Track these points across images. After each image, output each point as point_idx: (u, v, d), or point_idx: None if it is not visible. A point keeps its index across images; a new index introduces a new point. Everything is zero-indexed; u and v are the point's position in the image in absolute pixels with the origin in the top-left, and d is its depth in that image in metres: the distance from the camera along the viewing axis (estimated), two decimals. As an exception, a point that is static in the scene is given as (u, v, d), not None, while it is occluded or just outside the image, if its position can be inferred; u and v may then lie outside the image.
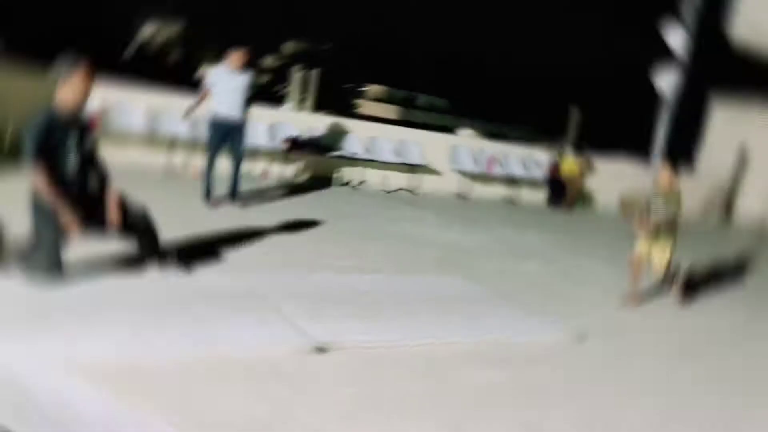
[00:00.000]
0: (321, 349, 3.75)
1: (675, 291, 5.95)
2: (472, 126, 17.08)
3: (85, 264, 4.32)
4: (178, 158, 8.99)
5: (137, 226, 4.38)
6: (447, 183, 11.32)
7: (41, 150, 3.89)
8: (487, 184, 11.57)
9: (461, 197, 11.20)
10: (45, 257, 3.95)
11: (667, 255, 5.67)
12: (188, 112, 7.24)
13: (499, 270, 6.38)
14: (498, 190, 11.73)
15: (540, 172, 12.00)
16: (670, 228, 5.64)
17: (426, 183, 11.12)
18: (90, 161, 4.25)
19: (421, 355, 3.97)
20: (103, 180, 4.34)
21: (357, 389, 3.41)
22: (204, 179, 7.18)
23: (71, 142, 4.05)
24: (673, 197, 5.65)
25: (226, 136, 7.10)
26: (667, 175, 5.70)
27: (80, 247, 4.19)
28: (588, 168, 12.21)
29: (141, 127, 8.74)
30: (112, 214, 4.22)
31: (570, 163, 12.03)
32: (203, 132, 8.67)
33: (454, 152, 11.50)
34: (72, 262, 4.14)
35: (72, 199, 4.02)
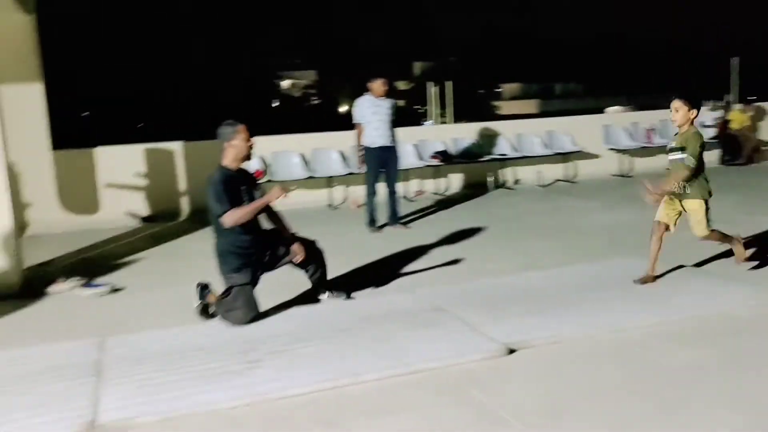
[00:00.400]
0: (510, 351, 3.76)
1: (737, 254, 5.03)
2: (618, 103, 16.32)
3: (265, 298, 4.67)
4: (338, 193, 9.43)
5: (314, 256, 4.68)
6: (605, 165, 10.89)
7: (227, 195, 4.29)
8: (649, 156, 10.97)
9: (623, 176, 10.70)
10: (243, 302, 4.31)
11: (698, 215, 4.70)
12: (358, 152, 7.49)
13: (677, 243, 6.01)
14: (662, 161, 11.04)
15: (707, 132, 11.16)
16: (687, 178, 4.64)
17: (582, 169, 10.77)
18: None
19: (614, 341, 3.85)
20: (278, 220, 4.70)
21: (555, 383, 3.37)
22: (366, 207, 7.48)
23: (244, 194, 4.44)
24: (688, 139, 4.65)
25: (382, 163, 7.35)
26: (680, 113, 4.68)
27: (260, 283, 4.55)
28: (760, 117, 11.18)
29: (299, 170, 9.29)
30: (297, 247, 4.56)
31: (739, 116, 11.09)
32: (353, 165, 9.08)
33: (607, 131, 11.05)
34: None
35: (258, 240, 4.44)
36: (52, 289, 5.54)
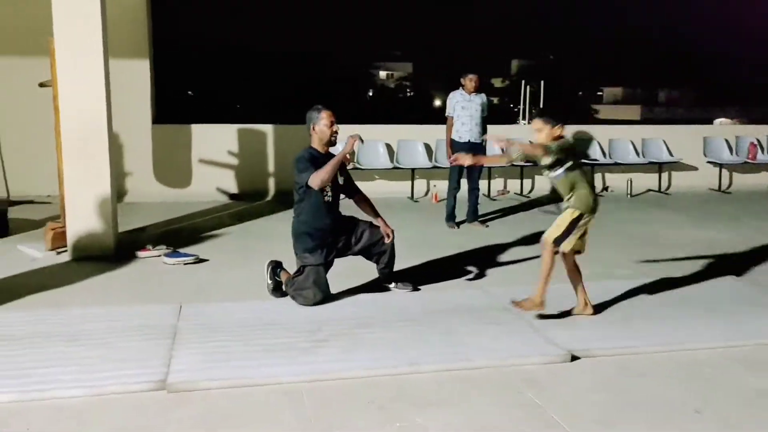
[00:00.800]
0: (573, 357, 3.72)
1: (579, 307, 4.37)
2: (728, 114, 15.54)
3: (338, 282, 4.80)
4: (420, 185, 9.49)
5: (387, 245, 4.77)
6: (702, 178, 10.42)
7: (312, 165, 4.44)
8: (751, 172, 10.41)
9: (721, 191, 10.22)
10: (313, 283, 4.45)
11: (564, 221, 4.20)
12: (448, 146, 7.53)
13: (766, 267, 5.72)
14: (765, 178, 10.49)
15: None
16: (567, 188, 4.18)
17: (678, 181, 10.37)
18: (347, 190, 4.80)
19: (681, 359, 3.73)
20: (368, 206, 4.86)
21: (613, 395, 3.31)
22: (447, 202, 7.50)
23: None
24: (560, 148, 4.14)
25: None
26: (543, 133, 4.21)
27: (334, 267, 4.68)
28: None
29: (384, 159, 9.41)
30: (385, 227, 4.71)
31: None
32: (437, 158, 9.12)
33: (707, 144, 10.56)
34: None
35: (335, 224, 4.58)
36: (142, 254, 5.89)
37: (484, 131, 7.34)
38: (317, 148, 4.61)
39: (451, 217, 7.44)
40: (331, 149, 4.73)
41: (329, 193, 4.57)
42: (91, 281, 5.21)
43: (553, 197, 8.98)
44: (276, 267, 4.72)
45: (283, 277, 4.66)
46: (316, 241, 4.53)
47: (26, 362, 3.49)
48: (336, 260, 4.71)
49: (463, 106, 7.27)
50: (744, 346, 3.94)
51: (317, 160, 4.52)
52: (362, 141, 4.55)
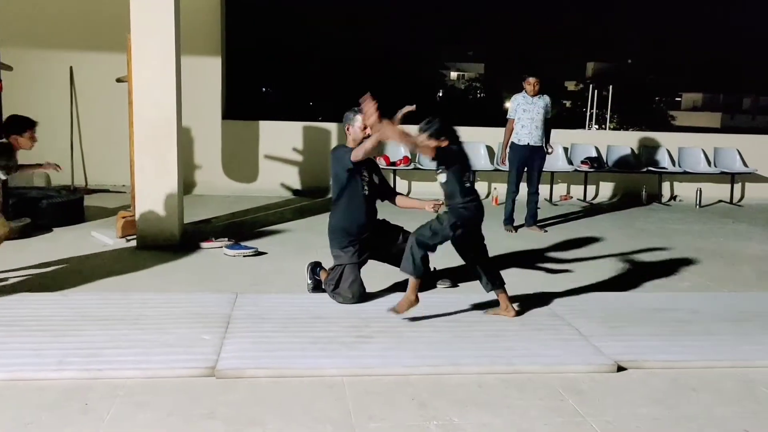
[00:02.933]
0: (620, 368, 3.66)
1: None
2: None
3: (386, 279, 4.87)
4: (481, 187, 9.44)
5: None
6: (779, 191, 9.98)
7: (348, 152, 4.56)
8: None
9: (798, 205, 9.76)
10: (349, 282, 4.52)
11: None
12: (504, 148, 7.49)
13: None
14: None
15: None
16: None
17: (751, 193, 9.96)
18: (384, 192, 4.92)
19: (733, 377, 3.62)
20: (394, 194, 4.99)
21: (659, 409, 3.25)
22: (506, 205, 7.46)
23: (365, 173, 4.65)
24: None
25: (526, 161, 7.30)
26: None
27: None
28: None
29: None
30: (420, 203, 4.83)
31: None
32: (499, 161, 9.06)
33: (787, 155, 10.10)
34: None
35: (371, 222, 4.70)
36: (205, 245, 6.12)
37: (547, 134, 7.27)
38: (351, 146, 4.69)
39: (509, 220, 7.40)
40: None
41: (366, 188, 4.64)
42: (155, 269, 5.45)
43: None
44: (315, 267, 4.85)
45: (323, 276, 4.76)
46: (352, 237, 4.60)
47: (90, 342, 3.70)
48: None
49: (525, 109, 7.23)
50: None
51: (347, 157, 4.60)
52: (411, 109, 4.44)
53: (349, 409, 3.12)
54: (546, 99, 7.30)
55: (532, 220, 7.42)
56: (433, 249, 4.17)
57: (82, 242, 6.20)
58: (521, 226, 7.41)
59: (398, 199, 5.00)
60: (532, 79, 7.23)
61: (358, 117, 4.62)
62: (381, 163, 9.29)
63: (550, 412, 3.16)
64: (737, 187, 9.89)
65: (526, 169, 7.33)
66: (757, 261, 6.35)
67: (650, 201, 9.61)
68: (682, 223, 8.26)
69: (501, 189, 8.85)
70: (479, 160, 9.44)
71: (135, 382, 3.32)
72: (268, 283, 5.15)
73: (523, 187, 7.39)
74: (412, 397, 3.25)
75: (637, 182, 9.79)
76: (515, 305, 4.42)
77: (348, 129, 4.72)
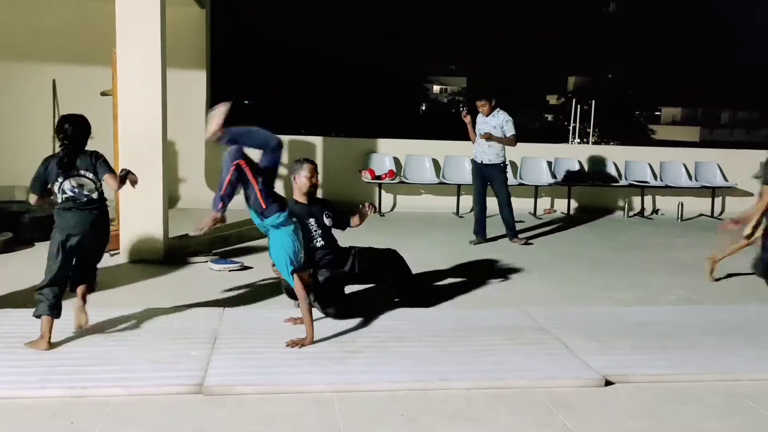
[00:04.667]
0: (607, 382, 3.68)
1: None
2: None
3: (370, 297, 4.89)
4: (466, 201, 9.48)
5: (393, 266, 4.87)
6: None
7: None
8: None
9: (777, 219, 9.90)
10: (332, 299, 4.52)
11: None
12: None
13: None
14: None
15: None
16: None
17: (732, 206, 10.07)
18: (340, 223, 4.90)
19: (719, 390, 3.65)
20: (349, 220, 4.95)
21: (648, 422, 3.27)
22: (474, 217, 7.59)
23: (313, 222, 4.69)
24: None
25: (484, 178, 7.45)
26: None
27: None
28: None
29: (430, 175, 9.47)
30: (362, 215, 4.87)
31: None
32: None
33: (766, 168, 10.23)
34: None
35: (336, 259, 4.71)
36: (192, 259, 6.08)
37: (496, 152, 7.32)
38: (297, 198, 4.70)
39: (475, 232, 7.48)
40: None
41: (319, 239, 4.69)
42: (139, 284, 5.40)
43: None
44: None
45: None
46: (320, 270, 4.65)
47: (74, 360, 3.65)
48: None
49: (479, 128, 7.44)
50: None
51: (293, 210, 4.60)
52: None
53: (338, 425, 3.11)
54: (499, 118, 7.35)
55: (512, 233, 7.49)
56: None
57: (64, 257, 6.11)
58: (497, 238, 7.46)
59: (352, 221, 4.98)
60: (478, 103, 7.46)
61: (305, 166, 4.65)
62: (366, 176, 9.32)
63: (539, 427, 3.17)
64: (718, 200, 10.02)
65: (486, 184, 7.49)
66: (739, 275, 6.40)
67: (633, 215, 9.70)
68: (664, 236, 8.35)
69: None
70: (462, 174, 9.47)
71: (121, 399, 3.27)
72: (255, 297, 5.12)
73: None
74: (400, 413, 3.25)
75: (618, 196, 9.89)
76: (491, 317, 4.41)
77: (294, 179, 4.73)
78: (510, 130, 7.33)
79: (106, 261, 6.01)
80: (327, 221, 4.76)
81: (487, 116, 7.38)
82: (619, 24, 50.98)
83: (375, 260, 4.84)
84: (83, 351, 3.77)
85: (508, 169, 7.65)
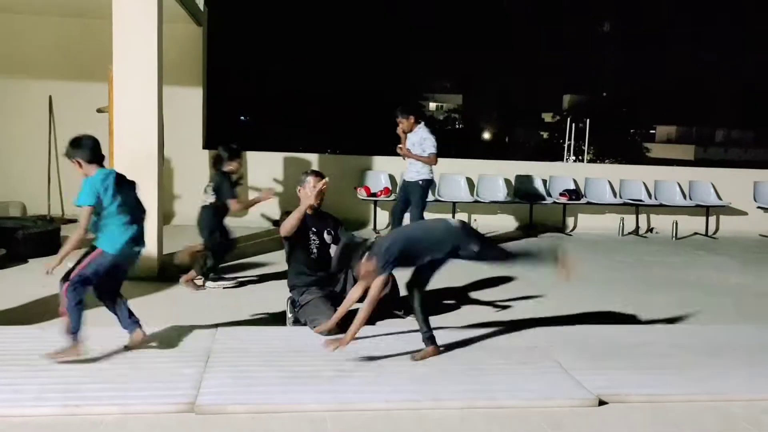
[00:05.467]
0: (601, 402, 3.67)
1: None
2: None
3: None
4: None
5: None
6: (753, 223, 10.16)
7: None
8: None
9: (770, 238, 9.95)
10: (322, 315, 4.54)
11: None
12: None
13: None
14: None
15: None
16: None
17: (726, 225, 10.14)
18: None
19: (714, 410, 3.65)
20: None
21: (640, 444, 3.26)
22: None
23: (312, 237, 4.78)
24: None
25: (406, 196, 7.29)
26: None
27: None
28: None
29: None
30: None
31: None
32: (482, 193, 9.18)
33: (758, 188, 10.30)
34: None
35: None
36: (185, 276, 6.05)
37: (417, 169, 7.13)
38: (303, 209, 4.72)
39: None
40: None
41: (315, 251, 4.74)
42: (133, 301, 5.34)
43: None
44: (294, 301, 4.84)
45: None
46: (308, 283, 4.73)
47: (67, 378, 3.63)
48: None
49: (409, 146, 7.20)
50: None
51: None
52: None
53: (331, 446, 3.09)
54: (420, 134, 7.15)
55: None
56: None
57: (59, 274, 6.09)
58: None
59: (355, 269, 4.95)
60: (398, 119, 7.23)
61: (310, 179, 4.69)
62: (361, 193, 9.33)
63: (533, 448, 3.16)
64: (712, 219, 10.05)
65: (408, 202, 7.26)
66: (733, 292, 6.43)
67: (627, 233, 9.72)
68: (659, 255, 8.37)
69: (480, 220, 8.94)
70: (459, 192, 9.50)
71: (114, 417, 3.26)
72: (248, 314, 5.11)
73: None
74: (393, 433, 3.23)
75: (613, 214, 9.92)
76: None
77: (299, 190, 4.76)
78: (429, 148, 7.05)
79: (101, 278, 6.01)
80: (327, 238, 4.77)
81: (407, 132, 7.19)
82: (614, 43, 51.43)
83: None
84: (77, 369, 3.75)
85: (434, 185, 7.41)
